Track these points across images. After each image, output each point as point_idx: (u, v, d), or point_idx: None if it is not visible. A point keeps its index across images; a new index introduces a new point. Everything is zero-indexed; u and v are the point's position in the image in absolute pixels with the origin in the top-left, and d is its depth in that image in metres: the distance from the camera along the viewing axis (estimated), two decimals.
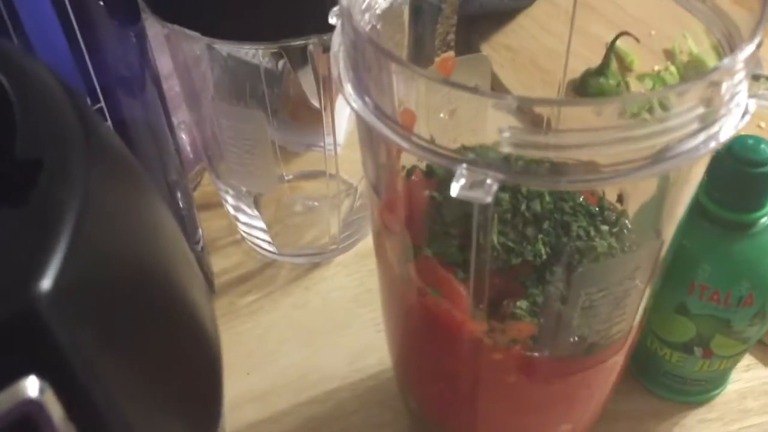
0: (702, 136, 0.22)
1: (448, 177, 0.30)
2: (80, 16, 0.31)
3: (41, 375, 0.13)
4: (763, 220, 0.33)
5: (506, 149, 0.21)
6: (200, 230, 0.43)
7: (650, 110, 0.25)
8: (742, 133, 0.24)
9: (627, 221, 0.32)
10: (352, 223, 0.45)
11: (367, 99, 0.24)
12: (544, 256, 0.29)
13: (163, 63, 0.40)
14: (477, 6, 0.59)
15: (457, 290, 0.28)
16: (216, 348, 0.24)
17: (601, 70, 0.55)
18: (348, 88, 0.23)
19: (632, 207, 0.33)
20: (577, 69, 0.59)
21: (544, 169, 0.21)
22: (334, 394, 0.40)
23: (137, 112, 0.37)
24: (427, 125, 0.32)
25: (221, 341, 0.42)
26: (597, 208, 0.32)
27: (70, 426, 0.13)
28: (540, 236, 0.29)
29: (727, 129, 0.22)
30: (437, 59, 0.32)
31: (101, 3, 0.32)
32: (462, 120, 0.33)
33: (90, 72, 0.32)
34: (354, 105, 0.23)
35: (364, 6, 0.27)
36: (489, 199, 0.21)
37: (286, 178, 0.49)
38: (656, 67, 0.56)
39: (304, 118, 0.46)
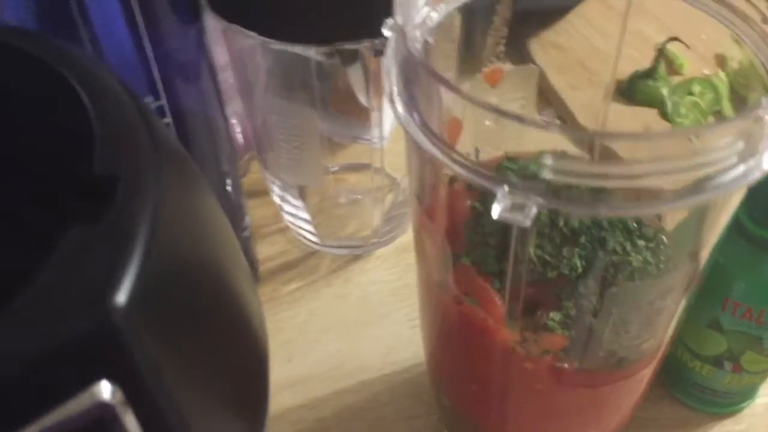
0: (743, 168, 0.23)
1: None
2: (144, 12, 0.32)
3: (113, 381, 0.15)
4: None
5: (547, 176, 0.22)
6: (247, 218, 0.44)
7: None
8: None
9: (664, 237, 0.33)
10: (394, 218, 0.47)
11: (415, 115, 0.25)
12: (580, 270, 0.30)
13: (219, 55, 0.41)
14: (527, 1, 0.59)
15: (492, 299, 0.29)
16: (264, 345, 0.25)
17: (650, 73, 0.55)
18: (398, 104, 0.24)
19: (670, 224, 0.34)
20: (625, 70, 0.59)
21: (585, 196, 0.22)
22: (369, 384, 0.41)
23: (194, 104, 0.38)
24: (474, 133, 0.33)
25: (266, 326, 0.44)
26: (635, 224, 0.33)
27: (139, 429, 0.15)
28: (576, 250, 0.30)
29: None
30: (485, 69, 0.32)
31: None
32: (507, 129, 0.34)
33: (152, 66, 0.34)
34: (403, 122, 0.24)
35: (417, 22, 0.28)
36: (528, 223, 0.22)
37: (331, 169, 0.50)
38: (706, 71, 0.55)
39: (352, 111, 0.48)
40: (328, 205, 0.48)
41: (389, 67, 0.25)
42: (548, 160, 0.21)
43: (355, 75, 0.43)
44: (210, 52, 0.37)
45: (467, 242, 0.30)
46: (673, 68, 0.57)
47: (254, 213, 0.49)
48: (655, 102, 0.55)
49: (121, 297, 0.15)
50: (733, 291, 0.33)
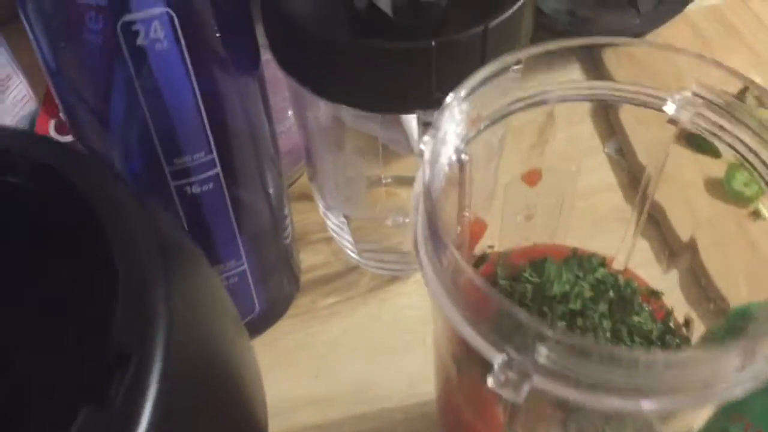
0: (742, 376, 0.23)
1: (509, 294, 0.32)
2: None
3: None
4: None
5: (541, 360, 0.22)
6: (289, 227, 0.45)
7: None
8: None
9: None
10: None
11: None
12: None
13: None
14: (597, 31, 0.57)
15: (493, 414, 0.30)
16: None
17: (730, 175, 0.52)
18: (423, 258, 0.25)
19: (696, 336, 0.34)
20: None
21: (584, 384, 0.22)
22: (389, 413, 0.43)
23: (238, 115, 0.38)
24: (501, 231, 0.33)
25: (299, 337, 0.46)
26: (659, 330, 0.33)
27: None
28: None
29: None
30: (525, 171, 0.32)
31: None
32: (538, 222, 0.34)
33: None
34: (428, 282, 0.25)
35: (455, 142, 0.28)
36: (520, 400, 0.22)
37: (383, 181, 0.51)
38: None
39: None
40: (373, 226, 0.49)
41: (416, 219, 0.25)
42: (543, 350, 0.22)
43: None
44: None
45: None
46: (762, 102, 0.54)
47: (302, 218, 0.51)
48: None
49: None
50: (748, 414, 0.33)
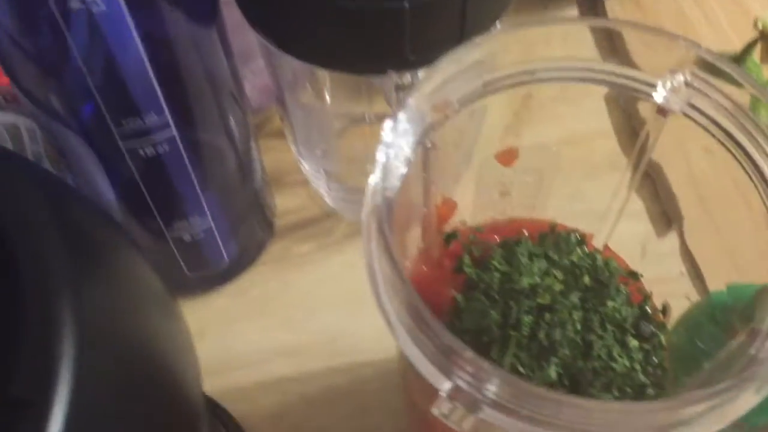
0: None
1: (475, 283, 0.30)
2: None
3: None
4: None
5: (490, 395, 0.21)
6: (259, 170, 0.43)
7: None
8: None
9: (662, 339, 0.32)
10: None
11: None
12: (554, 379, 0.29)
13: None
14: None
15: None
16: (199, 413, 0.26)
17: (738, 58, 0.49)
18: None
19: (673, 320, 0.32)
20: (713, 43, 0.52)
21: (534, 420, 0.21)
22: (359, 368, 0.43)
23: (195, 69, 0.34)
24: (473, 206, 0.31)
25: (270, 287, 0.45)
26: (634, 316, 0.32)
27: None
28: (554, 359, 0.29)
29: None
30: (499, 150, 0.30)
31: None
32: (515, 198, 0.32)
33: None
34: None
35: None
36: (465, 431, 0.21)
37: (367, 119, 0.48)
38: None
39: None
40: (351, 171, 0.47)
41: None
42: (492, 387, 0.20)
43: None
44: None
45: None
46: None
47: (278, 157, 0.48)
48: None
49: None
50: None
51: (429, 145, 0.25)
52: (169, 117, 0.32)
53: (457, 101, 0.25)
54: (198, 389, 0.26)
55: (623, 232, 0.33)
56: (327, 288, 0.45)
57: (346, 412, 0.41)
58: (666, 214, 0.40)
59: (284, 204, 0.48)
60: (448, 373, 0.21)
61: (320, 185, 0.46)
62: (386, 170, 0.22)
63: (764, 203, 0.25)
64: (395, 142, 0.23)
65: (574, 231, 0.33)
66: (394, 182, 0.23)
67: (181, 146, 0.33)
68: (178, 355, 0.26)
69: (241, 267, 0.45)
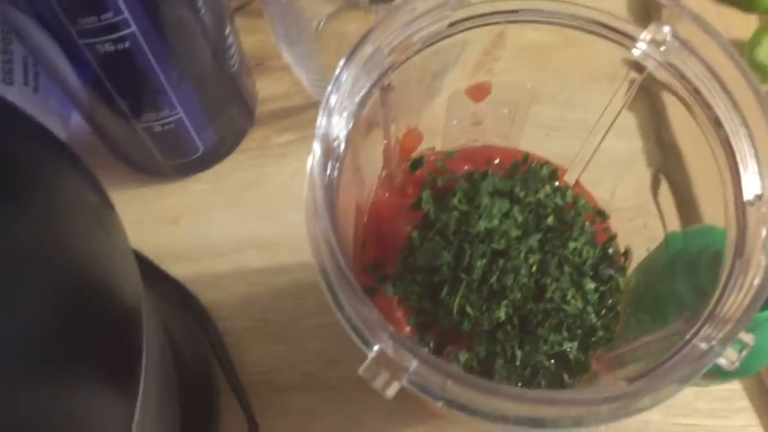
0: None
1: (432, 222, 0.29)
2: None
3: None
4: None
5: (412, 371, 0.21)
6: (236, 54, 0.40)
7: None
8: None
9: (620, 282, 0.31)
10: None
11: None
12: (503, 319, 0.29)
13: None
14: None
15: (404, 334, 0.29)
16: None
17: (755, 41, 0.45)
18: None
19: (633, 265, 0.32)
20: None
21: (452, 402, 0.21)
22: None
23: None
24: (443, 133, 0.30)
25: (248, 176, 0.45)
26: (595, 258, 0.31)
27: None
28: (504, 303, 0.29)
29: None
30: (470, 85, 0.28)
31: None
32: (488, 127, 0.30)
33: None
34: None
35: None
36: (389, 396, 0.21)
37: (360, 3, 0.45)
38: None
39: None
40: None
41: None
42: (413, 363, 0.20)
43: None
44: None
45: (398, 269, 0.29)
46: None
47: (262, 38, 0.46)
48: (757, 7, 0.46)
49: None
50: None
51: (386, 85, 0.24)
52: (127, 14, 0.30)
53: (420, 41, 0.23)
54: (136, 295, 0.26)
55: (598, 169, 0.32)
56: (302, 182, 0.44)
57: (312, 307, 0.42)
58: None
59: (267, 90, 0.46)
60: (375, 339, 0.21)
61: (302, 77, 0.44)
62: (331, 113, 0.21)
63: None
64: (345, 88, 0.22)
65: (547, 163, 0.32)
66: (341, 130, 0.22)
67: (143, 42, 0.31)
68: (114, 265, 0.25)
69: (219, 155, 0.44)
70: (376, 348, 0.21)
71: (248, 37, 0.48)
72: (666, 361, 0.21)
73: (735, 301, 0.20)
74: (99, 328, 0.23)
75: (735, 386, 0.41)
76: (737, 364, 0.21)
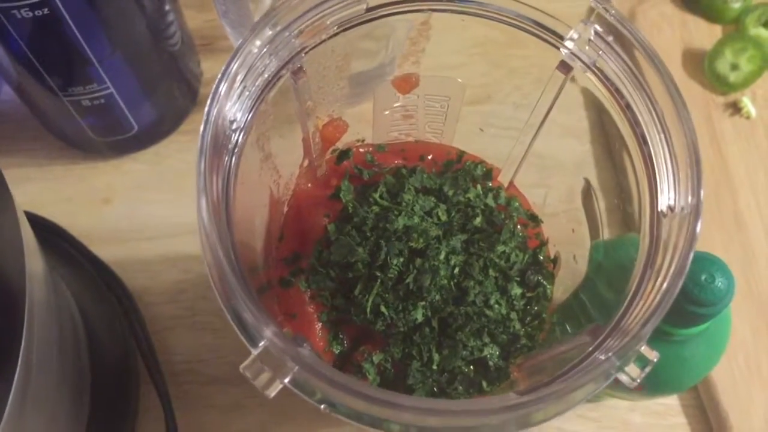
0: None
1: (350, 215, 0.28)
2: None
3: None
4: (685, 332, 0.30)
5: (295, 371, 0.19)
6: (177, 33, 0.39)
7: None
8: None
9: (547, 289, 0.30)
10: None
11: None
12: (420, 320, 0.28)
13: None
14: None
15: (315, 332, 0.28)
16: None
17: (716, 52, 0.44)
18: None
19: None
20: None
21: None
22: None
23: None
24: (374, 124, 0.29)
25: (187, 158, 0.43)
26: (524, 263, 0.30)
27: None
28: (422, 304, 0.28)
29: None
30: (397, 76, 0.27)
31: None
32: (420, 122, 0.29)
33: None
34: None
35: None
36: (270, 395, 0.20)
37: None
38: None
39: None
40: None
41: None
42: (305, 351, 0.19)
43: None
44: None
45: (311, 262, 0.28)
46: None
47: (211, 19, 0.45)
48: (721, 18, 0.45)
49: None
50: None
51: (297, 68, 0.22)
52: None
53: (335, 24, 0.22)
54: (20, 274, 0.25)
55: (535, 171, 0.31)
56: None
57: None
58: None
59: (213, 71, 0.45)
60: (260, 336, 0.20)
61: None
62: (224, 98, 0.20)
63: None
64: (243, 71, 0.20)
65: (482, 163, 0.31)
66: (240, 115, 0.21)
67: (63, 10, 0.30)
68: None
69: (157, 135, 0.42)
70: (260, 345, 0.20)
71: (197, 16, 0.46)
72: (565, 373, 0.20)
73: (639, 314, 0.19)
74: None
75: (672, 401, 0.40)
76: (638, 381, 0.20)
